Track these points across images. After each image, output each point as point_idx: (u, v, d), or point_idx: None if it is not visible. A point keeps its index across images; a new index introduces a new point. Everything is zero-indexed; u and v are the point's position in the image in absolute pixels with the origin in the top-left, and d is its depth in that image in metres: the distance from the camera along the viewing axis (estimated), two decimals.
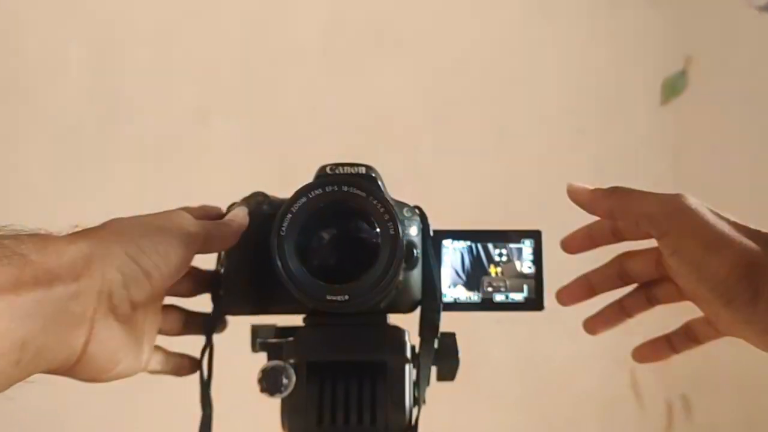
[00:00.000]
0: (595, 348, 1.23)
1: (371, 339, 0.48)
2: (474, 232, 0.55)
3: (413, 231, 0.51)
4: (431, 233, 0.53)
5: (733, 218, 0.47)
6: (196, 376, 0.53)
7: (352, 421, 0.48)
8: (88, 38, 1.18)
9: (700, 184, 1.27)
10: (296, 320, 0.53)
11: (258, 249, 0.48)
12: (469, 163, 1.23)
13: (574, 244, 0.58)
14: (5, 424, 1.13)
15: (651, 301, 0.58)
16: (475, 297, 0.55)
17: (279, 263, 0.41)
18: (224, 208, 0.54)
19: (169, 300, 0.51)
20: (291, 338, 0.49)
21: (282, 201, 0.50)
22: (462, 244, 0.55)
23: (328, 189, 0.42)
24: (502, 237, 0.56)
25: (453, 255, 0.55)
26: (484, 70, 1.25)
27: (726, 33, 1.28)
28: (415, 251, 0.50)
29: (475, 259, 0.55)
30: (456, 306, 0.54)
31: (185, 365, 0.53)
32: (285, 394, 0.47)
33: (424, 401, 0.51)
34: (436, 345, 0.51)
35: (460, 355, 0.52)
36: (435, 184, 1.21)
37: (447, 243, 0.55)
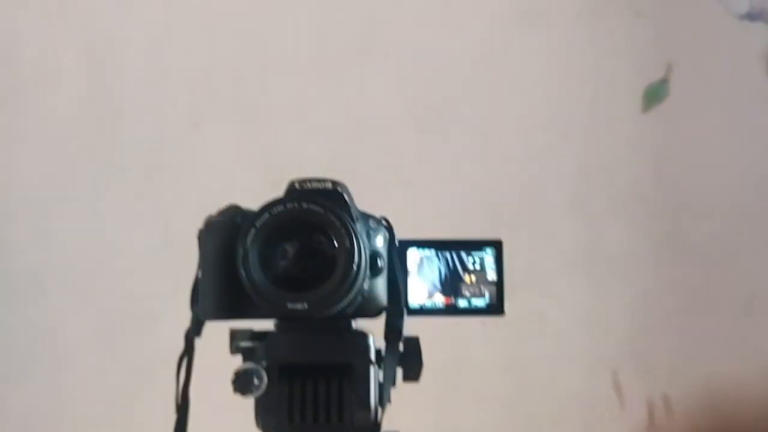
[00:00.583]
0: (577, 349, 1.25)
1: (337, 342, 0.52)
2: (438, 242, 0.59)
3: (379, 241, 0.54)
4: (397, 243, 0.56)
5: None
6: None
7: (320, 419, 0.52)
8: (82, 46, 1.21)
9: (681, 191, 1.29)
10: (272, 325, 0.56)
11: (229, 259, 0.51)
12: (453, 169, 1.25)
13: None
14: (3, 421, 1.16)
15: None
16: (439, 303, 0.58)
17: (243, 273, 0.45)
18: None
19: None
20: (263, 342, 0.52)
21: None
22: (426, 253, 0.58)
23: (289, 206, 0.45)
24: (466, 246, 0.59)
25: (418, 263, 0.58)
26: (468, 77, 1.27)
27: (707, 41, 1.30)
28: (379, 260, 0.53)
29: (439, 267, 0.58)
30: (422, 311, 0.57)
31: None
32: (257, 394, 0.50)
33: (389, 400, 0.54)
34: (401, 348, 0.54)
35: (424, 357, 0.55)
36: (419, 190, 1.24)
37: (412, 251, 0.58)
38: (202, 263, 0.53)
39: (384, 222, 0.55)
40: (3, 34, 1.21)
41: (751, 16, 1.31)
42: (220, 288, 0.51)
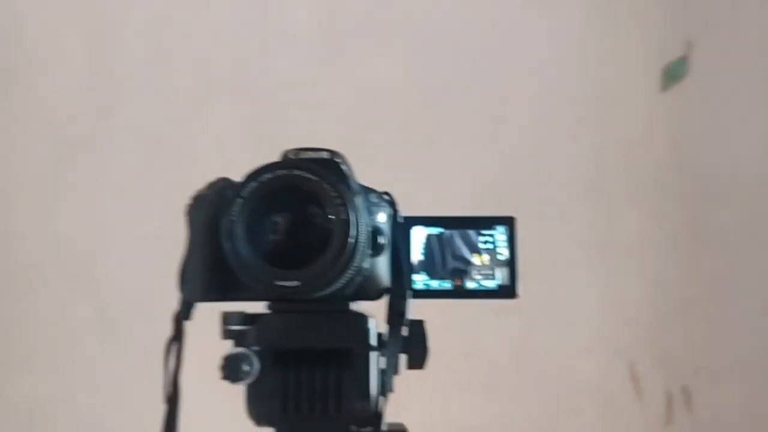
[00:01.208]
0: (593, 339, 1.21)
1: (335, 326, 0.48)
2: (445, 219, 0.55)
3: (381, 217, 0.50)
4: (401, 220, 0.52)
5: None
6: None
7: (316, 409, 0.48)
8: (83, 27, 1.18)
9: (701, 174, 1.25)
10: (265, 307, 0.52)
11: (218, 235, 0.47)
12: (463, 152, 1.21)
13: None
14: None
15: None
16: (446, 284, 0.54)
17: (229, 247, 0.41)
18: None
19: None
20: (255, 325, 0.49)
21: None
22: (433, 231, 0.54)
23: (279, 173, 0.41)
24: (475, 223, 0.55)
25: (424, 241, 0.54)
26: (479, 57, 1.23)
27: (728, 17, 1.25)
28: (380, 237, 0.49)
29: (447, 246, 0.54)
30: (427, 293, 0.53)
31: None
32: (247, 381, 0.47)
33: (391, 389, 0.50)
34: (405, 332, 0.50)
35: (429, 342, 0.51)
36: (429, 172, 1.20)
37: (417, 230, 0.54)
38: (190, 240, 0.49)
39: (386, 197, 0.51)
40: (2, 17, 1.18)
41: None
42: (209, 267, 0.48)
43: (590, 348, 1.21)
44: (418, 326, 0.51)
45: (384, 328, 0.51)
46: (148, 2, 1.20)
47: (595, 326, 1.21)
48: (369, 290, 0.50)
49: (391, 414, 0.50)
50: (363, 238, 0.42)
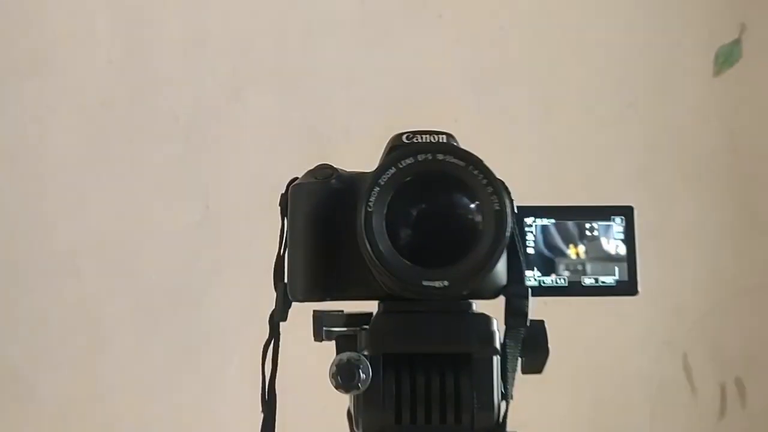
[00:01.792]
0: (645, 329, 1.18)
1: (455, 328, 0.44)
2: (559, 209, 0.50)
3: None
4: (516, 210, 0.48)
5: None
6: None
7: (434, 419, 0.44)
8: (116, 9, 1.13)
9: (756, 159, 1.21)
10: (363, 306, 0.48)
11: (327, 228, 0.43)
12: (512, 137, 1.17)
13: None
14: None
15: None
16: (561, 280, 0.50)
17: (367, 244, 0.36)
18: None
19: None
20: (364, 327, 0.44)
21: (352, 175, 0.46)
22: (546, 222, 0.50)
23: (421, 158, 0.37)
24: (590, 214, 0.51)
25: (536, 234, 0.50)
26: (528, 40, 1.19)
27: None
28: None
29: (561, 239, 0.50)
30: (540, 290, 0.49)
31: None
32: (362, 389, 0.42)
33: (511, 396, 0.46)
34: (523, 334, 0.46)
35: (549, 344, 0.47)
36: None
37: (529, 221, 0.50)
38: (291, 233, 0.45)
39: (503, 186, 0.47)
40: None
41: None
42: (313, 263, 0.43)
43: (641, 339, 1.18)
44: (537, 327, 0.47)
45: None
46: None
47: (647, 316, 1.18)
48: (486, 288, 0.45)
49: None
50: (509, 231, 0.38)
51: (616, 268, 0.50)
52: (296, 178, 0.47)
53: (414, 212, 0.39)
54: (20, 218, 1.11)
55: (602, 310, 1.18)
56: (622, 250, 0.50)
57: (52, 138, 1.12)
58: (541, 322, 0.47)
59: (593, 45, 1.19)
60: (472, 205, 0.38)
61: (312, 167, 0.47)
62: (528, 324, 0.46)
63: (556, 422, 1.16)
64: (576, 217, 0.50)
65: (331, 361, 0.43)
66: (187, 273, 1.11)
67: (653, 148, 1.19)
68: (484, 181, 0.37)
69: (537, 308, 1.19)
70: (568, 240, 0.50)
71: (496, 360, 0.44)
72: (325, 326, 0.47)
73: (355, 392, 0.42)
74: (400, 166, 0.37)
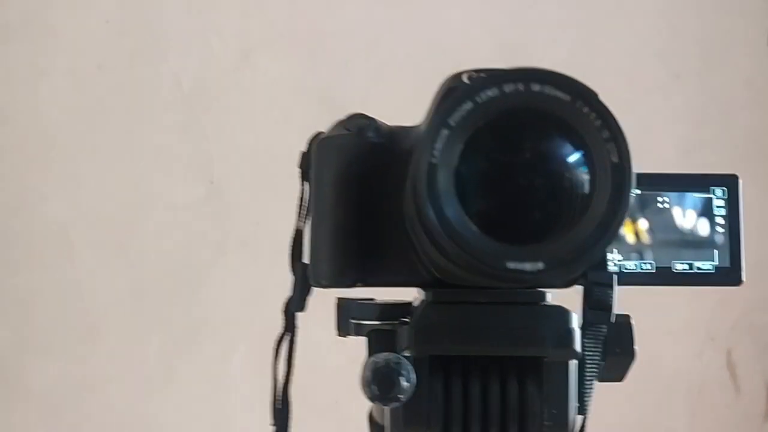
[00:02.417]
0: (685, 323, 1.09)
1: (525, 325, 0.34)
2: (644, 177, 0.40)
3: None
4: None
5: None
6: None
7: None
8: None
9: None
10: (396, 295, 0.39)
11: (361, 193, 0.33)
12: None
13: None
14: None
15: None
16: (647, 266, 0.40)
17: (430, 209, 0.26)
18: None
19: None
20: (404, 320, 0.35)
21: (393, 129, 0.36)
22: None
23: (508, 89, 0.26)
24: (683, 184, 0.41)
25: None
26: (564, 3, 1.10)
27: None
28: None
29: (647, 215, 0.40)
30: (623, 277, 0.40)
31: None
32: (403, 401, 0.33)
33: (588, 411, 0.36)
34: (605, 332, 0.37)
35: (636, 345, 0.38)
36: None
37: None
38: (315, 200, 0.35)
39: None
40: None
41: None
42: (346, 237, 0.34)
43: (681, 333, 1.10)
44: (622, 323, 0.37)
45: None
46: None
47: (687, 308, 1.10)
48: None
49: None
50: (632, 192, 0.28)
51: (716, 251, 0.40)
52: (321, 133, 0.37)
53: (496, 167, 0.28)
54: (8, 192, 1.03)
55: (639, 302, 1.08)
56: (723, 229, 0.40)
57: (43, 104, 1.04)
58: (627, 317, 0.37)
59: (634, 9, 1.11)
60: (579, 157, 0.27)
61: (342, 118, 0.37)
62: (612, 320, 0.36)
63: (589, 421, 1.07)
64: (666, 187, 0.41)
65: (363, 363, 0.34)
66: (188, 253, 1.04)
67: (700, 124, 1.11)
68: (598, 123, 0.26)
69: (566, 297, 1.11)
70: (665, 216, 0.40)
71: (574, 365, 0.35)
72: (354, 318, 0.38)
73: (395, 405, 0.33)
74: (479, 101, 0.26)
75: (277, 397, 0.38)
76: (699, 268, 0.40)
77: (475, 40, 1.08)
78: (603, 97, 0.29)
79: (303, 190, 0.38)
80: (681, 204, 0.40)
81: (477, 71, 0.32)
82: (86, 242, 1.03)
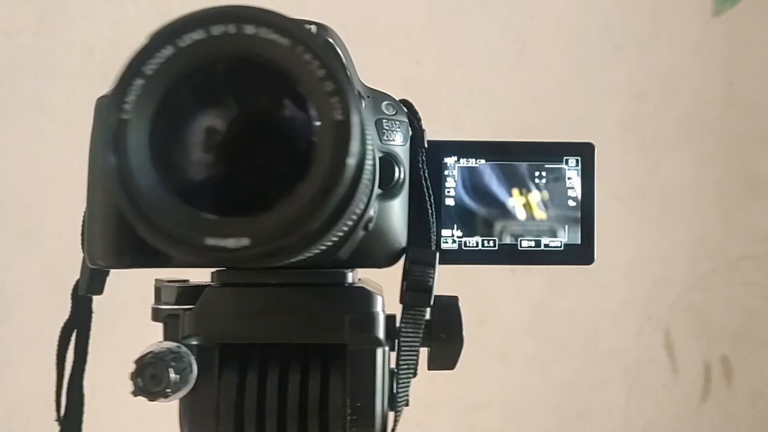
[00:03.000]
0: (622, 302, 1.07)
1: (322, 308, 0.30)
2: (491, 146, 0.37)
3: (397, 139, 0.32)
4: (425, 144, 0.34)
5: None
6: None
7: None
8: None
9: (756, 113, 1.08)
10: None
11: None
12: (481, 80, 1.04)
13: None
14: None
15: None
16: (490, 242, 0.36)
17: (116, 173, 0.22)
18: None
19: None
20: (190, 305, 0.31)
21: None
22: (473, 164, 0.36)
23: (218, 30, 0.22)
24: (535, 153, 0.37)
25: (459, 180, 0.36)
26: None
27: None
28: (397, 169, 0.31)
29: (493, 187, 0.36)
30: (462, 256, 0.36)
31: None
32: (176, 395, 0.29)
33: (406, 402, 0.33)
34: (427, 315, 0.33)
35: (464, 330, 0.34)
36: (440, 103, 1.02)
37: (450, 162, 0.36)
38: (89, 171, 0.31)
39: (404, 107, 0.33)
40: None
41: None
42: (108, 211, 0.29)
43: (619, 312, 1.07)
44: (447, 306, 0.34)
45: (396, 309, 0.33)
46: None
47: (625, 287, 1.07)
48: (374, 252, 0.32)
49: None
50: (370, 163, 0.24)
51: (566, 227, 0.36)
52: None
53: (201, 124, 0.23)
54: None
55: (575, 280, 1.06)
56: (576, 202, 0.37)
57: None
58: (454, 299, 0.33)
59: None
60: (297, 112, 0.23)
61: None
62: (432, 302, 0.32)
63: (521, 402, 1.05)
64: (517, 157, 0.37)
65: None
66: None
67: (640, 96, 1.07)
68: (321, 72, 0.21)
69: (503, 278, 1.07)
70: (512, 188, 0.36)
71: (382, 353, 0.31)
72: (157, 302, 0.34)
73: (166, 400, 0.29)
74: (181, 45, 0.22)
75: (63, 391, 0.34)
76: (546, 246, 0.36)
77: (406, 9, 1.03)
78: (333, 42, 0.25)
79: None
80: (531, 175, 0.37)
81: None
82: None
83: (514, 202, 0.36)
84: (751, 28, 1.08)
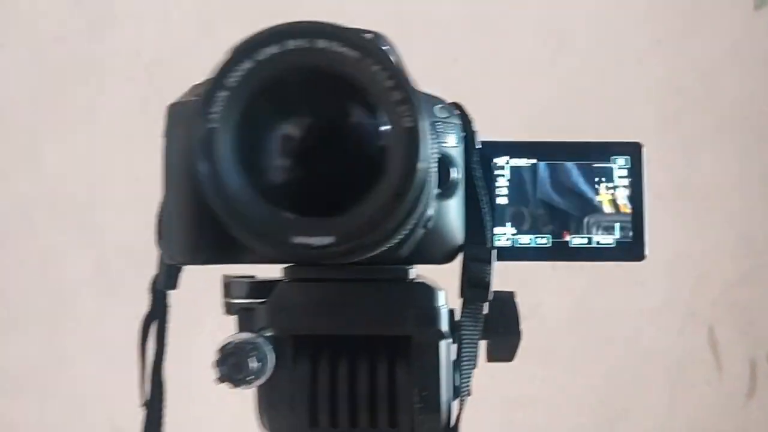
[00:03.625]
0: (667, 299, 1.06)
1: (388, 303, 0.32)
2: (542, 146, 0.38)
3: (451, 140, 0.34)
4: (479, 145, 0.36)
5: None
6: None
7: (361, 421, 0.32)
8: None
9: None
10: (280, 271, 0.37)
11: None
12: (517, 76, 1.04)
13: None
14: None
15: None
16: (542, 239, 0.37)
17: (207, 175, 0.24)
18: None
19: None
20: (266, 299, 0.33)
21: None
22: (523, 163, 0.37)
23: (292, 45, 0.24)
24: (584, 153, 0.38)
25: (510, 179, 0.37)
26: None
27: None
28: (453, 171, 0.33)
29: (544, 186, 0.37)
30: (515, 253, 0.37)
31: None
32: (256, 383, 0.31)
33: (469, 392, 0.34)
34: (485, 310, 0.34)
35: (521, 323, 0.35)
36: (475, 101, 1.02)
37: (501, 161, 0.37)
38: (166, 171, 0.33)
39: (456, 110, 0.34)
40: None
41: None
42: (189, 210, 0.31)
43: (661, 309, 1.07)
44: (505, 301, 0.35)
45: (456, 304, 0.35)
46: None
47: (669, 285, 1.06)
48: (433, 250, 0.34)
49: None
50: (434, 166, 0.25)
51: (617, 225, 0.38)
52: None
53: (279, 132, 0.25)
54: None
55: (618, 277, 1.06)
56: (626, 200, 0.38)
57: (1, 78, 1.01)
58: (511, 294, 0.35)
59: None
60: (369, 121, 0.24)
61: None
62: (490, 298, 0.34)
63: (563, 400, 1.05)
64: (566, 156, 0.38)
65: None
66: (152, 229, 1.01)
67: (680, 91, 1.07)
68: (391, 84, 0.23)
69: (544, 275, 1.07)
70: (563, 187, 0.38)
71: (445, 345, 0.32)
72: (229, 297, 0.36)
73: (247, 387, 0.31)
74: (259, 59, 0.24)
75: (148, 379, 0.37)
76: (598, 243, 0.37)
77: (444, 8, 1.04)
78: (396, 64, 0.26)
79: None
80: (581, 174, 0.38)
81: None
82: (49, 220, 1.02)
83: (567, 200, 0.37)
84: None
